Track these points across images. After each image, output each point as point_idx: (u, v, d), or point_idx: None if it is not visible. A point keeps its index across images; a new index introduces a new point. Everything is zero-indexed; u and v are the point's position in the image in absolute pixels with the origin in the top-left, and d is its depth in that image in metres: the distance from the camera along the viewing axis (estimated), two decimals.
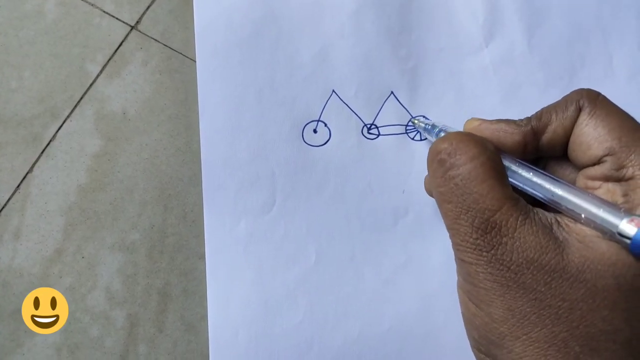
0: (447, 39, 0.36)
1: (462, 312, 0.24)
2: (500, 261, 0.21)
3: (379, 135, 0.34)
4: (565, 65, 0.36)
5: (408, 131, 0.34)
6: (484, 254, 0.21)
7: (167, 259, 0.33)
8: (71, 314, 0.32)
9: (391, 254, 0.33)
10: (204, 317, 0.33)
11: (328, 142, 0.34)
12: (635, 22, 0.36)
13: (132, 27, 0.36)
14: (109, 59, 0.35)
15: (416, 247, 0.33)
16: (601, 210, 0.21)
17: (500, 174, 0.22)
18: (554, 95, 0.35)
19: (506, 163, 0.24)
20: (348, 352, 0.32)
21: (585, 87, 0.36)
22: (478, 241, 0.21)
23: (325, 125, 0.34)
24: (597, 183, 0.23)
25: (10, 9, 0.35)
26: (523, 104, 0.35)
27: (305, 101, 0.34)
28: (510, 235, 0.21)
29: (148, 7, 0.36)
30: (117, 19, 0.36)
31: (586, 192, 0.22)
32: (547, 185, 0.23)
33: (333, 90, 0.35)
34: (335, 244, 0.33)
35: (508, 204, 0.21)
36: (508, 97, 0.35)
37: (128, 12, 0.36)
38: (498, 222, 0.21)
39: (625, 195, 0.21)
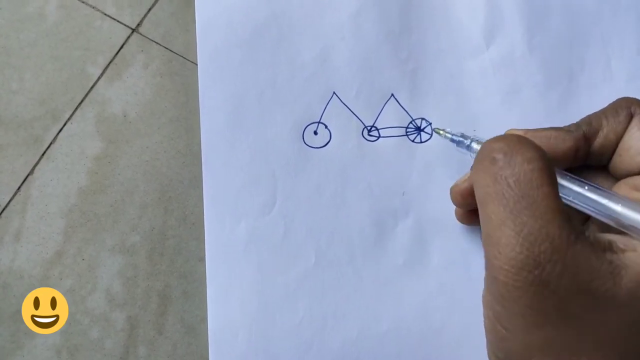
0: (448, 40, 0.36)
1: (485, 328, 0.22)
2: (546, 284, 0.18)
3: (379, 137, 0.34)
4: (565, 68, 0.36)
5: (408, 133, 0.35)
6: (526, 273, 0.18)
7: (167, 261, 0.33)
8: (71, 315, 0.32)
9: (390, 255, 0.33)
10: (203, 320, 0.33)
11: (328, 144, 0.34)
12: (635, 25, 0.37)
13: (133, 30, 0.36)
14: (110, 62, 0.35)
15: (415, 249, 0.33)
16: None
17: (555, 184, 0.20)
18: (554, 98, 0.35)
19: (557, 177, 0.22)
20: (347, 353, 0.32)
21: (585, 89, 0.37)
22: (521, 255, 0.19)
23: (326, 127, 0.34)
24: None
25: (11, 11, 0.35)
26: (523, 106, 0.35)
27: (306, 103, 0.34)
28: (561, 254, 0.18)
29: (149, 10, 0.36)
30: (118, 21, 0.36)
31: None
32: (604, 200, 0.21)
33: (333, 92, 0.35)
34: (335, 246, 0.33)
35: (562, 217, 0.19)
36: (508, 98, 0.35)
37: (129, 15, 0.36)
38: (550, 235, 0.18)
39: None
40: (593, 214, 0.21)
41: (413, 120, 0.35)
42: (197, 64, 0.35)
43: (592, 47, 0.36)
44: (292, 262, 0.33)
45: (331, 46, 0.35)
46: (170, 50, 0.36)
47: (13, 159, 0.34)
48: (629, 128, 0.23)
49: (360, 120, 0.35)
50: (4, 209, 0.33)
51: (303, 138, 0.34)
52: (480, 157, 0.22)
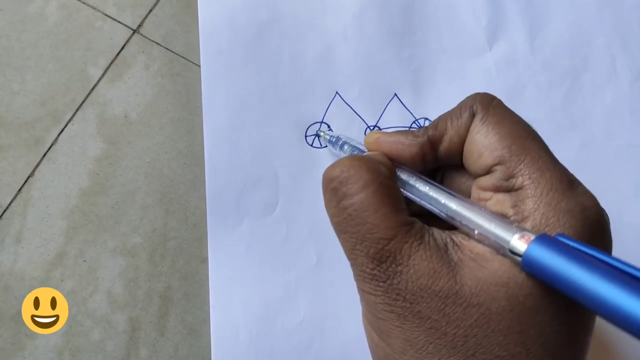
0: (450, 40, 0.36)
1: (367, 342, 0.23)
2: (396, 291, 0.20)
3: None
4: (568, 68, 0.36)
5: None
6: (381, 284, 0.20)
7: (169, 263, 0.33)
8: (73, 317, 0.32)
9: None
10: (205, 321, 0.33)
11: None
12: (639, 24, 0.37)
13: (134, 31, 0.36)
14: (111, 63, 0.35)
15: None
16: (493, 225, 0.20)
17: (394, 200, 0.21)
18: (558, 97, 0.35)
19: (404, 177, 0.23)
20: (347, 352, 0.32)
21: (589, 90, 0.36)
22: (374, 271, 0.21)
23: (328, 126, 0.34)
24: (488, 194, 0.22)
25: (12, 12, 0.35)
26: (526, 106, 0.35)
27: (309, 103, 0.34)
28: (405, 264, 0.20)
29: (150, 11, 0.36)
30: (119, 22, 0.36)
31: (479, 206, 0.21)
32: (443, 199, 0.22)
33: (336, 92, 0.35)
34: (336, 246, 0.33)
35: (402, 231, 0.21)
36: (511, 99, 0.35)
37: (130, 16, 0.36)
38: (392, 251, 0.20)
39: (514, 206, 0.20)
40: (436, 213, 0.22)
41: (416, 119, 0.35)
42: (198, 65, 0.34)
43: (595, 47, 0.36)
44: (294, 262, 0.33)
45: (334, 46, 0.35)
46: (171, 51, 0.36)
47: (14, 160, 0.34)
48: (470, 130, 0.22)
49: (363, 120, 0.34)
50: (4, 211, 0.33)
51: (305, 138, 0.34)
52: (323, 187, 0.23)
